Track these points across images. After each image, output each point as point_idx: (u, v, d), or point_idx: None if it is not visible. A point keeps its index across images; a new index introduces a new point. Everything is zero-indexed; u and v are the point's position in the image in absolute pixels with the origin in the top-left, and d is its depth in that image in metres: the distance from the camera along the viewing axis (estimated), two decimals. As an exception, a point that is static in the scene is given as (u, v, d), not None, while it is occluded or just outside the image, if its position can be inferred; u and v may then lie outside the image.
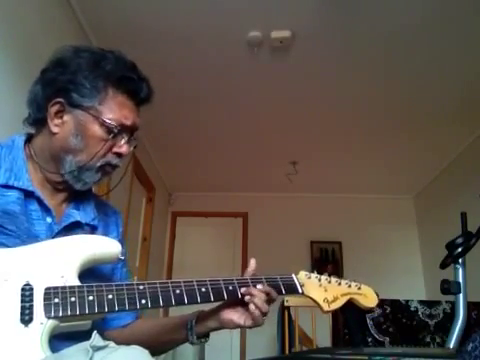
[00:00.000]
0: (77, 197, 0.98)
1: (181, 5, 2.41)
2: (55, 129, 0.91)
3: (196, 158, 4.51)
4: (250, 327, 0.90)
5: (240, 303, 0.91)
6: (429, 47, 2.70)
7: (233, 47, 2.75)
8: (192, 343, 0.95)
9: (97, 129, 0.90)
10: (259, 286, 0.91)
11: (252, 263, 0.96)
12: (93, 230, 0.97)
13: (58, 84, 0.91)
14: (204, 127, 3.84)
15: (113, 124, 0.91)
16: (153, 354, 1.08)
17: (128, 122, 0.94)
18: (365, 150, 4.15)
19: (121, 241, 1.07)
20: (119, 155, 0.95)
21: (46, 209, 0.90)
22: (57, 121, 0.91)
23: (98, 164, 0.92)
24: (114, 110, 0.91)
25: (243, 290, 0.90)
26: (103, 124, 0.90)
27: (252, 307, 0.88)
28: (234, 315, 0.91)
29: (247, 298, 0.89)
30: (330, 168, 4.60)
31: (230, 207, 5.27)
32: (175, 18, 2.52)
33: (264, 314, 0.89)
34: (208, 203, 5.27)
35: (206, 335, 0.95)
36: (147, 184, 4.39)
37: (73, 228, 0.92)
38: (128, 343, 0.97)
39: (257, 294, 0.89)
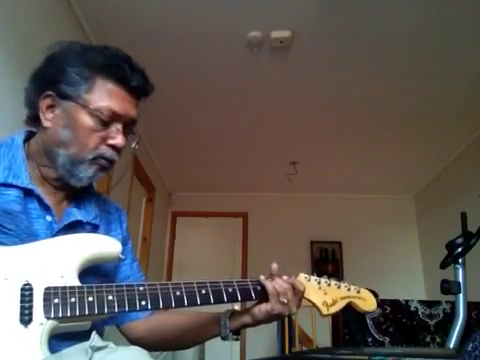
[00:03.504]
0: (78, 195, 0.97)
1: (181, 5, 2.41)
2: (47, 123, 0.90)
3: (196, 158, 4.51)
4: (281, 313, 0.92)
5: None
6: (429, 47, 2.69)
7: (233, 47, 2.75)
8: (224, 338, 0.95)
9: (86, 119, 0.88)
10: (280, 280, 0.93)
11: (274, 267, 0.97)
12: (94, 229, 0.96)
13: (46, 77, 0.90)
14: (204, 127, 3.84)
15: (102, 112, 0.88)
16: (177, 348, 1.10)
17: (119, 110, 0.89)
18: (365, 150, 4.14)
19: (126, 237, 1.07)
20: (113, 147, 0.91)
21: (46, 207, 0.89)
22: (49, 115, 0.90)
23: (90, 156, 0.89)
24: (103, 98, 0.88)
25: (286, 278, 0.93)
26: (92, 113, 0.88)
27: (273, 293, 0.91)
28: (267, 306, 0.92)
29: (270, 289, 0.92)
30: (330, 168, 4.60)
31: (230, 207, 5.26)
32: (175, 18, 2.52)
33: (292, 306, 0.92)
34: (208, 203, 5.27)
35: (238, 332, 0.97)
36: (147, 184, 4.39)
37: (74, 227, 0.91)
38: (157, 335, 0.99)
39: (281, 283, 0.92)
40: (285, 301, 0.91)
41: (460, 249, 1.67)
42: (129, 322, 1.01)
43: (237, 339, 0.96)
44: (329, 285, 0.99)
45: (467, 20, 2.45)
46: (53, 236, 0.87)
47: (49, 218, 0.90)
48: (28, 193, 0.87)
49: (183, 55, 2.84)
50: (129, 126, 0.94)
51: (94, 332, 0.69)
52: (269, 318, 0.93)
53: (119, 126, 0.91)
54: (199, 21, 2.54)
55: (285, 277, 0.94)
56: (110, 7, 2.45)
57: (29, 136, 0.96)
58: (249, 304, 0.96)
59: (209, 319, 0.99)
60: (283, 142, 4.07)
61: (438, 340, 2.39)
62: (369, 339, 2.38)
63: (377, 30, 2.57)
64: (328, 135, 3.89)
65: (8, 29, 1.86)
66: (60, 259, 0.81)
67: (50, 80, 0.90)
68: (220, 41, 2.70)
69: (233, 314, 0.97)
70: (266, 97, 3.33)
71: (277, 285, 0.92)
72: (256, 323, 0.95)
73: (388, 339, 2.40)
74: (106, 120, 0.89)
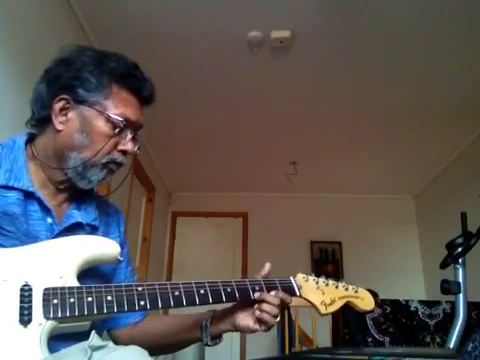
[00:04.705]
0: (79, 197, 0.97)
1: (181, 5, 2.41)
2: (60, 126, 0.90)
3: (196, 158, 4.51)
4: (265, 331, 0.92)
5: (253, 304, 0.92)
6: (429, 47, 2.69)
7: (233, 47, 2.75)
8: (206, 344, 0.95)
9: (102, 125, 0.90)
10: (273, 292, 0.92)
11: (267, 267, 0.97)
12: (94, 230, 0.96)
13: (63, 81, 0.90)
14: (204, 127, 3.84)
15: (118, 119, 0.90)
16: (163, 352, 1.10)
17: (133, 118, 0.93)
18: (365, 150, 4.14)
19: (123, 240, 1.06)
20: (124, 153, 0.94)
21: (46, 210, 0.90)
22: (62, 118, 0.90)
23: (103, 161, 0.91)
24: (119, 106, 0.91)
25: (257, 295, 0.91)
26: (108, 119, 0.90)
27: (257, 312, 0.90)
28: (250, 321, 0.92)
29: (258, 302, 0.91)
30: (330, 168, 4.60)
31: (230, 207, 5.26)
32: (175, 18, 2.52)
33: (274, 316, 0.91)
34: (208, 203, 5.27)
35: (220, 336, 0.96)
36: (147, 184, 4.39)
37: (74, 229, 0.91)
38: (138, 341, 0.99)
39: (270, 300, 0.90)
40: (273, 321, 0.91)
41: (460, 249, 1.67)
42: (119, 329, 1.02)
43: (219, 342, 0.96)
44: (327, 285, 1.00)
45: (467, 20, 2.45)
46: (53, 238, 0.88)
47: (50, 220, 0.90)
48: (28, 195, 0.88)
49: (183, 55, 2.84)
50: (136, 132, 0.97)
51: (93, 332, 0.69)
52: (248, 331, 0.93)
53: (130, 132, 0.94)
54: (199, 21, 2.54)
55: (273, 292, 0.92)
56: (110, 7, 2.45)
57: (30, 138, 0.96)
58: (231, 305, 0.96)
59: (190, 324, 0.99)
60: (283, 142, 4.07)
61: (438, 340, 2.38)
62: (369, 339, 2.38)
63: (377, 30, 2.57)
64: (328, 135, 3.89)
65: (8, 29, 1.86)
66: (59, 260, 0.81)
67: (66, 83, 0.90)
68: (220, 41, 2.70)
69: (214, 317, 0.97)
70: (266, 97, 3.33)
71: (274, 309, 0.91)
72: (237, 331, 0.95)
73: (388, 339, 2.40)
74: (121, 127, 0.91)
